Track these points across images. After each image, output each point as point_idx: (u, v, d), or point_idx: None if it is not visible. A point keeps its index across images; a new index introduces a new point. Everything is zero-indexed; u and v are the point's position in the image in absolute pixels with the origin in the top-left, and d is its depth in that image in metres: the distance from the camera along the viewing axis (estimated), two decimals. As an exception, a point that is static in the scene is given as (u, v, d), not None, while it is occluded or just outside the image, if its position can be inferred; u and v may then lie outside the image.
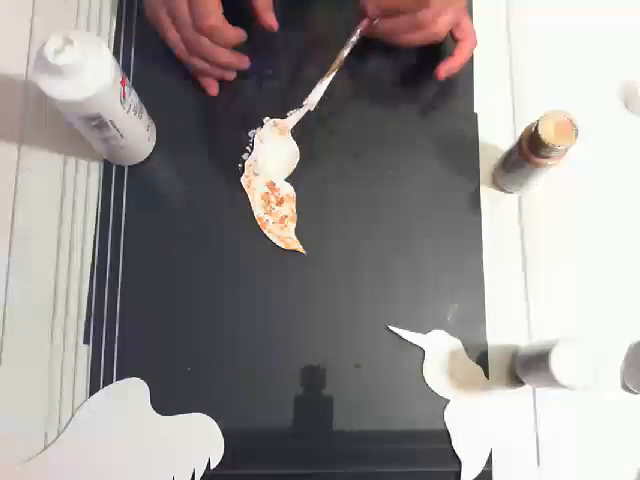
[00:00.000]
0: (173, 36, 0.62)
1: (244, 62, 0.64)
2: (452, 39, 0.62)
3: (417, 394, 0.61)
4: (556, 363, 0.53)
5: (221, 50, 0.62)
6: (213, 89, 0.66)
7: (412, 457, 0.60)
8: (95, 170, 0.65)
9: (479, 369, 0.62)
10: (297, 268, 0.63)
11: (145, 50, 0.68)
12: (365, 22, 0.60)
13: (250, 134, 0.66)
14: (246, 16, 0.62)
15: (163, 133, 0.66)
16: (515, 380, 0.61)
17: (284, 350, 0.61)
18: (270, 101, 0.67)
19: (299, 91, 0.65)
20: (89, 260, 0.63)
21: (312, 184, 0.65)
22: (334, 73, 0.62)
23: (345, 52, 0.61)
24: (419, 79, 0.66)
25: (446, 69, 0.63)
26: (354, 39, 0.61)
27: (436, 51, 0.65)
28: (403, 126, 0.67)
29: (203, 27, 0.59)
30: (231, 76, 0.66)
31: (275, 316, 0.62)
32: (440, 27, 0.59)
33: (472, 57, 0.69)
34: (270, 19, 0.62)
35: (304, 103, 0.63)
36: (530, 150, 0.57)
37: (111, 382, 0.60)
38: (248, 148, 0.66)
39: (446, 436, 0.60)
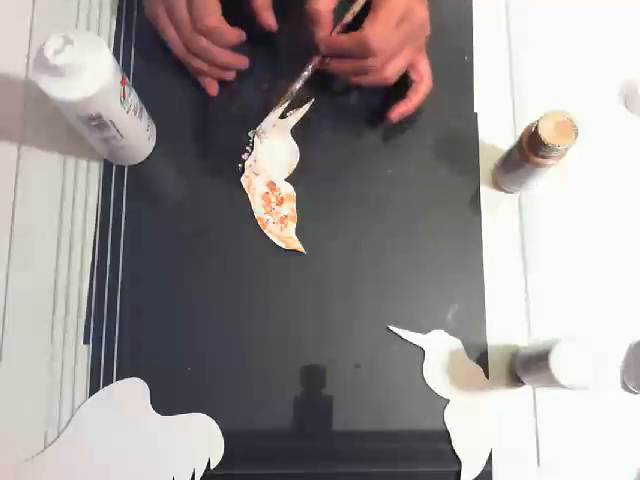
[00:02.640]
0: (172, 36, 0.62)
1: (243, 62, 0.64)
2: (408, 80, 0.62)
3: (417, 394, 0.61)
4: (556, 363, 0.53)
5: (220, 50, 0.62)
6: (213, 89, 0.66)
7: (412, 457, 0.60)
8: (95, 170, 0.65)
9: (479, 369, 0.62)
10: (297, 268, 0.63)
11: (145, 50, 0.68)
12: (317, 59, 0.61)
13: (250, 134, 0.66)
14: (246, 16, 0.62)
15: (163, 133, 0.66)
16: (515, 380, 0.61)
17: (284, 350, 0.61)
18: (270, 101, 0.67)
19: (299, 91, 0.65)
20: (89, 260, 0.63)
21: (312, 184, 0.65)
22: (286, 104, 0.63)
23: (297, 85, 0.62)
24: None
25: (399, 112, 0.63)
26: (306, 74, 0.62)
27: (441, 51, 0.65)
28: (403, 126, 0.66)
29: (202, 27, 0.59)
30: (231, 76, 0.65)
31: (275, 316, 0.62)
32: (389, 73, 0.59)
33: (472, 57, 0.69)
34: (269, 19, 0.62)
35: (256, 130, 0.65)
36: (530, 150, 0.57)
37: (111, 382, 0.60)
38: (248, 148, 0.66)
39: (446, 436, 0.60)
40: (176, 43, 0.62)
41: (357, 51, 0.58)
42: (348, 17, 0.60)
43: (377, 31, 0.56)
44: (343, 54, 0.59)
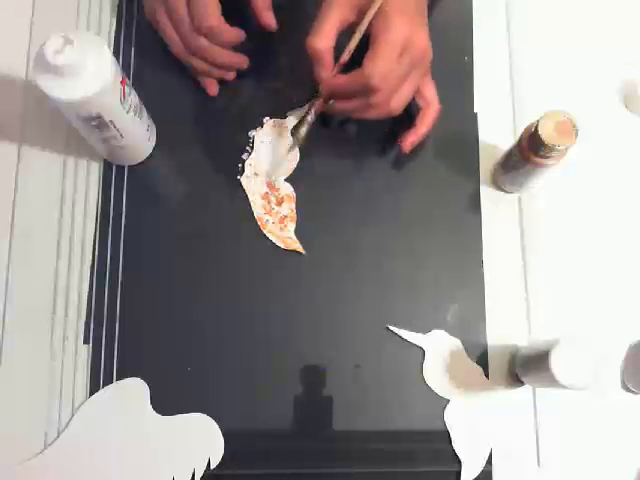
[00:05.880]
0: (172, 36, 0.62)
1: (243, 62, 0.64)
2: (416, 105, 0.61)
3: (417, 394, 0.61)
4: (556, 363, 0.53)
5: (220, 50, 0.62)
6: (213, 89, 0.66)
7: (412, 457, 0.60)
8: (95, 170, 0.65)
9: (479, 369, 0.62)
10: (297, 268, 0.63)
11: (145, 50, 0.68)
12: (320, 102, 0.60)
13: (250, 134, 0.66)
14: (246, 16, 0.62)
15: (163, 133, 0.66)
16: (515, 380, 0.61)
17: (284, 350, 0.61)
18: (270, 101, 0.67)
19: (299, 91, 0.65)
20: (89, 260, 0.63)
21: (312, 184, 0.65)
22: (295, 150, 0.63)
23: (303, 130, 0.60)
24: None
25: (411, 142, 0.62)
26: (309, 118, 0.60)
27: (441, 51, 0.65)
28: (403, 126, 0.66)
29: (202, 27, 0.59)
30: (231, 76, 0.65)
31: (275, 316, 0.62)
32: (394, 105, 0.57)
33: (472, 57, 0.69)
34: (269, 19, 0.62)
35: (269, 181, 0.65)
36: (530, 150, 0.57)
37: (111, 382, 0.60)
38: (248, 148, 0.66)
39: (446, 436, 0.60)
40: (176, 43, 0.62)
41: (360, 90, 0.56)
42: (345, 56, 0.58)
43: (378, 68, 0.54)
44: (345, 95, 0.58)
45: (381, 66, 0.54)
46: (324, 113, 0.61)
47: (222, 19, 0.60)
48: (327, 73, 0.57)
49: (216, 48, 0.62)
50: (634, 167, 0.67)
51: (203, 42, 0.61)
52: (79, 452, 0.59)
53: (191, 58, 0.63)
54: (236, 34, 0.61)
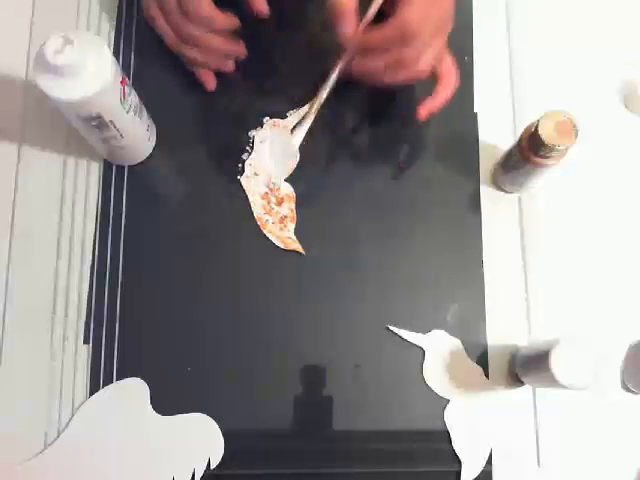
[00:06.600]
0: (163, 25, 0.61)
1: (240, 50, 0.63)
2: (433, 78, 0.59)
3: (417, 394, 0.61)
4: (556, 363, 0.53)
5: (213, 38, 0.60)
6: (210, 83, 0.65)
7: (412, 457, 0.60)
8: (95, 170, 0.65)
9: (479, 369, 0.62)
10: (297, 268, 0.63)
11: (145, 50, 0.68)
12: (343, 61, 0.58)
13: (250, 134, 0.66)
14: (245, 16, 0.62)
15: (163, 133, 0.66)
16: (515, 380, 0.61)
17: (284, 350, 0.61)
18: (270, 101, 0.67)
19: (299, 91, 0.65)
20: (89, 260, 0.63)
21: (312, 184, 0.65)
22: (313, 115, 0.61)
23: (324, 94, 0.59)
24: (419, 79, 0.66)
25: (428, 109, 0.59)
26: (332, 81, 0.59)
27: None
28: (403, 126, 0.67)
29: (193, 15, 0.58)
30: (230, 67, 0.64)
31: (275, 316, 0.62)
32: (422, 65, 0.55)
33: (472, 57, 0.69)
34: (261, 5, 0.60)
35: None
36: (530, 150, 0.57)
37: (111, 382, 0.60)
38: (248, 148, 0.66)
39: (446, 436, 0.60)
40: (168, 33, 0.61)
41: (396, 40, 0.54)
42: (372, 11, 0.56)
43: (416, 14, 0.52)
44: (377, 47, 0.55)
45: (418, 12, 0.52)
46: (324, 115, 0.61)
47: (213, 6, 0.58)
48: (352, 28, 0.55)
49: (210, 36, 0.60)
50: (634, 167, 0.67)
51: (196, 31, 0.59)
52: (79, 452, 0.59)
53: (185, 48, 0.62)
54: (229, 21, 0.60)
